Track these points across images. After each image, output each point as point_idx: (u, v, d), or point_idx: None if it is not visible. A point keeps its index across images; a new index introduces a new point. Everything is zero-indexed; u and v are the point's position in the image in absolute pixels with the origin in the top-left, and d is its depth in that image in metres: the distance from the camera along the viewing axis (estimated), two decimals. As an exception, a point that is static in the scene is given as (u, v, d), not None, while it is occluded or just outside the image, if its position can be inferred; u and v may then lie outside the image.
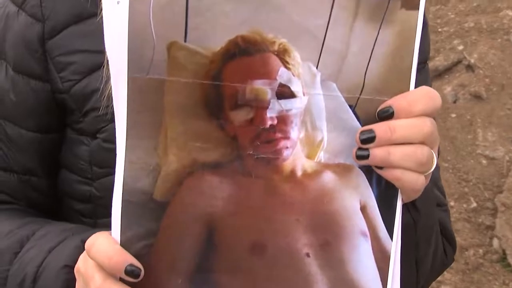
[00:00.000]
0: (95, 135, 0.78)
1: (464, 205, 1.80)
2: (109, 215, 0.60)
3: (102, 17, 0.59)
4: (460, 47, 1.86)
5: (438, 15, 1.83)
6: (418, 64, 0.64)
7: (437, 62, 1.80)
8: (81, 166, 0.79)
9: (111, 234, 0.60)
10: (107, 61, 0.57)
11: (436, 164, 0.82)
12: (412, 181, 0.63)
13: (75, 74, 0.77)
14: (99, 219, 0.79)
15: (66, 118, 0.80)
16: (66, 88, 0.78)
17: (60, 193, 0.84)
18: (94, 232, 0.63)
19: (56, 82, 0.78)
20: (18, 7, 0.79)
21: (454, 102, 1.85)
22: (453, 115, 1.84)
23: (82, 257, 0.64)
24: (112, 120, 0.58)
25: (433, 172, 0.66)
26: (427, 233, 0.79)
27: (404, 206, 0.69)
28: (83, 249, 0.63)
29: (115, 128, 0.59)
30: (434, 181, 0.83)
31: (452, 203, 1.75)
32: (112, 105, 0.58)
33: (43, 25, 0.78)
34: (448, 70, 1.85)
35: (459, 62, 1.85)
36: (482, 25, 1.85)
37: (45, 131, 0.81)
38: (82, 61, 0.77)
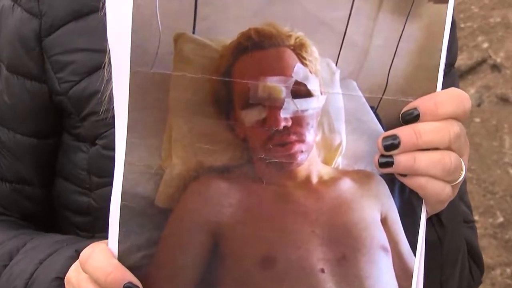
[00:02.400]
0: (94, 142, 0.78)
1: (490, 220, 1.80)
2: (108, 227, 0.60)
3: (105, 11, 0.59)
4: (485, 45, 1.86)
5: (460, 9, 1.84)
6: (445, 67, 0.64)
7: (459, 61, 1.81)
8: (79, 175, 0.80)
9: (108, 246, 0.60)
10: (109, 60, 0.59)
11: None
12: (438, 190, 0.63)
13: (73, 74, 0.78)
14: (97, 233, 0.79)
15: (64, 122, 0.81)
16: (64, 90, 0.78)
17: (55, 205, 0.84)
18: (89, 243, 0.63)
19: (53, 83, 0.78)
20: (13, 1, 0.80)
21: (479, 105, 1.85)
22: (477, 120, 1.84)
23: (75, 268, 0.64)
24: (112, 125, 0.59)
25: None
26: (453, 253, 0.79)
27: (429, 221, 0.70)
28: (77, 259, 0.63)
29: (115, 132, 0.59)
30: (460, 195, 0.84)
31: (476, 218, 1.75)
32: (113, 109, 0.59)
33: (40, 21, 0.78)
34: (472, 70, 1.86)
35: (483, 61, 1.86)
36: (510, 20, 1.86)
37: (42, 136, 0.81)
38: (82, 60, 0.77)
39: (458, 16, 1.83)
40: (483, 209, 1.79)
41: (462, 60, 1.82)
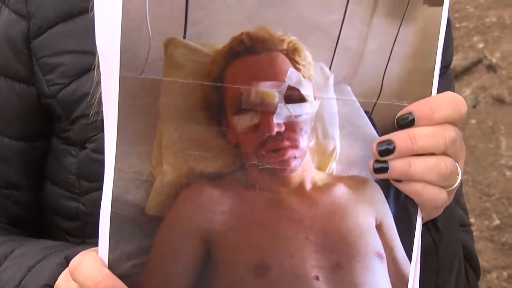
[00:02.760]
0: (84, 145, 0.78)
1: (486, 222, 1.80)
2: (98, 234, 0.60)
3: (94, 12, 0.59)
4: (481, 45, 1.86)
5: (456, 8, 1.84)
6: (441, 68, 0.64)
7: (454, 61, 1.80)
8: (68, 179, 0.79)
9: (98, 254, 0.60)
10: (99, 61, 0.58)
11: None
12: (434, 196, 0.63)
13: (63, 77, 0.77)
14: (88, 239, 0.79)
15: (53, 125, 0.80)
16: (53, 93, 0.78)
17: (44, 209, 0.84)
18: (79, 249, 0.63)
19: (42, 85, 0.78)
20: (1, 2, 0.79)
21: (474, 106, 1.85)
22: (473, 122, 1.84)
23: (64, 276, 0.63)
24: (102, 129, 0.58)
25: None
26: (449, 258, 0.79)
27: (425, 226, 0.69)
28: (66, 266, 0.63)
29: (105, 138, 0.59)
30: (457, 198, 0.83)
31: (472, 220, 1.75)
32: (103, 112, 0.59)
33: (29, 23, 0.78)
34: (467, 70, 1.86)
35: (479, 61, 1.86)
36: (506, 20, 1.86)
37: (30, 139, 0.81)
38: (71, 63, 0.77)
39: (453, 16, 1.83)
40: (479, 212, 1.79)
41: (458, 61, 1.82)
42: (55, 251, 0.73)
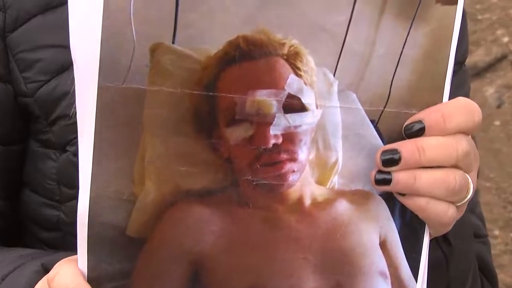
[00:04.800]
0: (65, 148, 0.77)
1: (511, 235, 1.78)
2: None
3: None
4: (505, 39, 1.84)
5: (478, -1, 1.82)
6: (456, 64, 0.63)
7: (476, 57, 1.78)
8: (47, 185, 0.79)
9: (77, 263, 0.59)
10: None
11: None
12: (440, 213, 0.62)
13: (41, 74, 0.76)
14: (68, 251, 0.77)
15: (31, 127, 0.79)
16: (30, 91, 0.77)
17: (21, 219, 0.83)
18: (57, 257, 0.62)
19: (19, 83, 0.77)
20: None
21: (498, 107, 1.83)
22: (497, 123, 1.82)
23: (42, 285, 0.62)
24: None
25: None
26: (462, 272, 0.78)
27: (434, 239, 0.69)
28: (44, 274, 0.62)
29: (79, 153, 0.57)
30: (471, 206, 0.83)
31: (496, 232, 1.73)
32: (77, 122, 0.56)
33: (4, 15, 0.77)
34: (490, 67, 1.83)
35: (503, 57, 1.83)
36: (532, 11, 1.83)
37: (6, 142, 0.80)
38: (51, 58, 0.76)
39: (474, 7, 1.81)
40: (503, 223, 1.77)
41: (479, 56, 1.79)
42: (31, 258, 0.72)
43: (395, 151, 0.61)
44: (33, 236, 0.82)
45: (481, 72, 1.80)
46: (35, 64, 0.77)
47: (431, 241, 0.65)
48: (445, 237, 0.74)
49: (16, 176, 0.82)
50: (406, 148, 0.61)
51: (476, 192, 0.79)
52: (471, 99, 0.65)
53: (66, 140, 0.76)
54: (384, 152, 0.61)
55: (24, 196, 0.82)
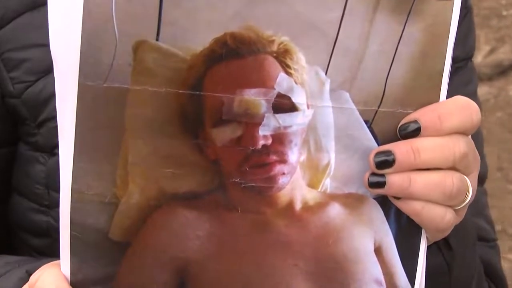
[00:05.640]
0: (53, 151, 0.77)
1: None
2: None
3: None
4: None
5: (503, -7, 1.79)
6: (461, 61, 0.63)
7: (500, 54, 1.75)
8: (36, 190, 0.79)
9: (60, 267, 0.59)
10: None
11: (483, 189, 0.80)
12: (436, 218, 0.61)
13: (29, 74, 0.76)
14: (58, 257, 0.78)
15: (18, 129, 0.79)
16: (18, 92, 0.77)
17: (11, 225, 0.83)
18: (42, 263, 0.62)
19: (6, 83, 0.77)
20: None
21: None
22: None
23: None
24: None
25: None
26: (465, 279, 0.77)
27: (435, 244, 0.68)
28: (28, 280, 0.62)
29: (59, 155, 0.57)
30: (479, 209, 0.83)
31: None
32: (57, 124, 0.57)
33: None
34: (516, 65, 1.82)
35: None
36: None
37: None
38: (38, 57, 0.76)
39: (499, 2, 1.79)
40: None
41: (504, 54, 1.77)
42: (18, 266, 0.72)
43: (389, 152, 0.60)
44: (23, 242, 0.82)
45: (506, 70, 1.77)
46: (22, 64, 0.76)
47: (431, 246, 0.65)
48: (446, 242, 0.73)
49: (5, 181, 0.82)
50: (400, 149, 0.60)
51: (483, 194, 0.78)
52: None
53: (54, 143, 0.75)
54: (378, 153, 0.60)
55: (13, 201, 0.82)
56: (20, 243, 0.82)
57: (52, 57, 0.56)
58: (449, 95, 0.63)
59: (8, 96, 0.78)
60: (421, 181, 0.60)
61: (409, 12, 0.60)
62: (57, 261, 0.60)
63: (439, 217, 0.61)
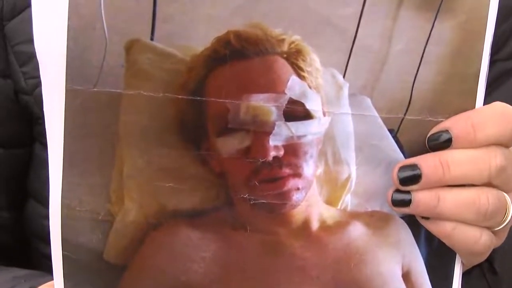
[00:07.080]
0: None
1: None
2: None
3: None
4: None
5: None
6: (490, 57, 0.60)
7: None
8: None
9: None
10: None
11: None
12: (469, 240, 0.59)
13: (39, 69, 0.78)
14: None
15: (33, 129, 0.80)
16: (30, 88, 0.78)
17: (26, 232, 0.84)
18: (45, 280, 0.64)
19: (19, 78, 0.79)
20: None
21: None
22: None
23: None
24: None
25: None
26: None
27: (478, 269, 0.68)
28: None
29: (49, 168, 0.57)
30: None
31: None
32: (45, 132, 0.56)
33: (2, 2, 0.78)
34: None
35: None
36: None
37: (8, 145, 0.80)
38: None
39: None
40: None
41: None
42: (24, 280, 0.73)
43: (415, 167, 0.58)
44: (37, 251, 0.83)
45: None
46: (33, 58, 0.76)
47: (474, 270, 0.64)
48: (491, 265, 0.72)
49: (21, 185, 0.83)
50: (428, 163, 0.58)
51: None
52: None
53: None
54: (402, 168, 0.59)
55: (28, 207, 0.83)
56: (35, 252, 0.84)
57: (37, 58, 0.56)
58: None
59: (21, 93, 0.78)
60: (451, 199, 0.58)
61: (439, 8, 0.59)
62: (51, 282, 0.60)
63: (473, 240, 0.59)
